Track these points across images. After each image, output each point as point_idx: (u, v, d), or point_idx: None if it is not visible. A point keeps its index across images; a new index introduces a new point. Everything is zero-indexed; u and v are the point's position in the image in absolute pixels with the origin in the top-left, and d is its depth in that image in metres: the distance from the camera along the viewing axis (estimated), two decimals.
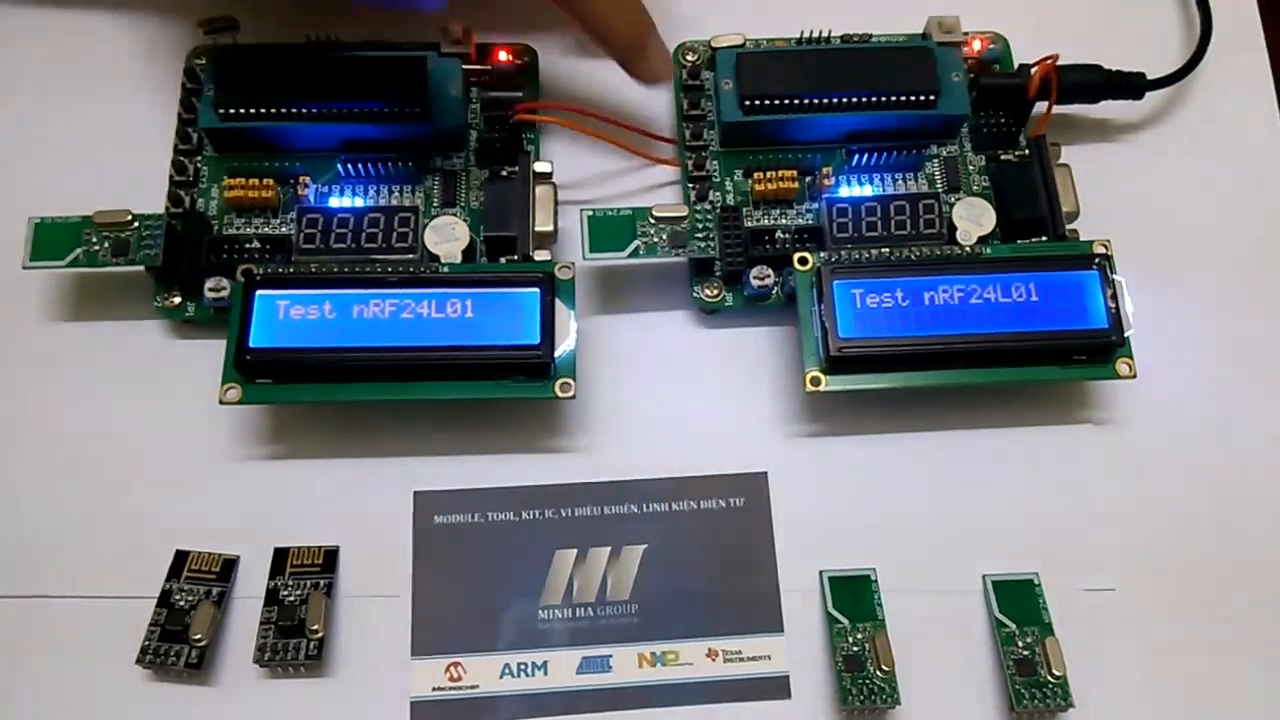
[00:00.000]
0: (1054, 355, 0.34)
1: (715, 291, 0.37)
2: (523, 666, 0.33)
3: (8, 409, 0.36)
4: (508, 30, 0.40)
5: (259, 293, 0.33)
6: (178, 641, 0.33)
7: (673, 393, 0.37)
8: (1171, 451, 0.36)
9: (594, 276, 0.38)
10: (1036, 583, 0.34)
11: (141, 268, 0.35)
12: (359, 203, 0.36)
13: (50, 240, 0.35)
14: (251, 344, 0.33)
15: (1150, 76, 0.40)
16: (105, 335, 0.37)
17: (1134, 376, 0.34)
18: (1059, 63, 0.38)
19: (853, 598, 0.34)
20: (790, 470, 0.36)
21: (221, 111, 0.36)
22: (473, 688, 0.33)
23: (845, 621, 0.33)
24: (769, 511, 0.35)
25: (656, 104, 0.40)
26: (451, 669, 0.33)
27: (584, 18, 0.36)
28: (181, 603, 0.33)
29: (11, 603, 0.34)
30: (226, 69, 0.36)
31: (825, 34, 0.39)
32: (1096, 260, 0.35)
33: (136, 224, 0.35)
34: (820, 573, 0.34)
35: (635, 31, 0.36)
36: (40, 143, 0.39)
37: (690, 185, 0.38)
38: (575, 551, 0.35)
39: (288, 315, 0.33)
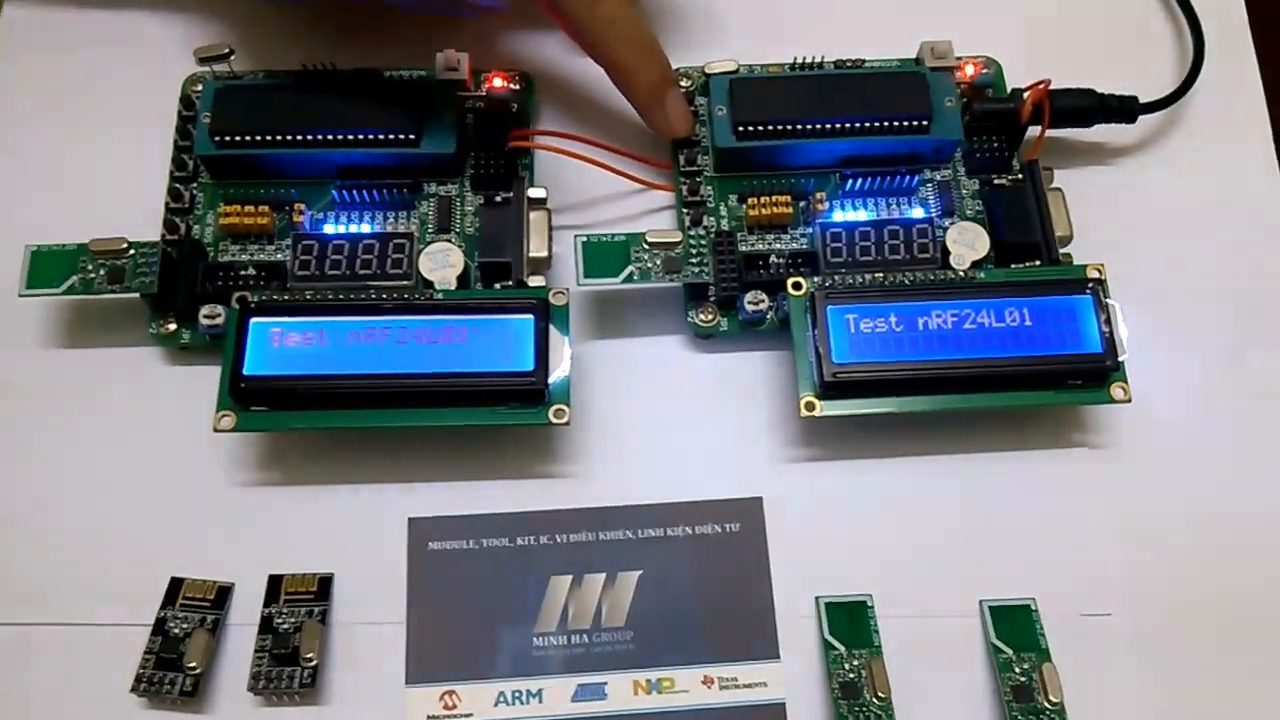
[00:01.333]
0: (1049, 380, 0.34)
1: (710, 316, 0.37)
2: (517, 694, 0.33)
3: (2, 436, 0.36)
4: (504, 56, 0.40)
5: (253, 320, 0.33)
6: (172, 669, 0.33)
7: (668, 418, 0.37)
8: (1168, 475, 0.36)
9: (588, 302, 0.38)
10: (1034, 608, 0.34)
11: (137, 295, 0.35)
12: (354, 229, 0.37)
13: (46, 268, 0.35)
14: (246, 371, 0.33)
15: (1143, 100, 0.40)
16: (100, 362, 0.37)
17: (1129, 400, 0.34)
18: (1052, 87, 0.38)
19: (849, 624, 0.34)
20: (785, 495, 0.35)
21: (218, 139, 0.36)
22: (467, 716, 0.33)
23: (842, 648, 0.33)
24: (764, 537, 0.35)
25: (647, 130, 0.40)
26: (446, 697, 0.33)
27: (609, 64, 0.36)
28: (176, 630, 0.33)
29: (6, 630, 0.34)
30: (223, 96, 0.36)
31: (818, 60, 0.39)
32: (1090, 284, 0.35)
33: (132, 251, 0.35)
34: (816, 598, 0.34)
35: (658, 84, 0.37)
36: (36, 171, 0.39)
37: (685, 210, 0.38)
38: (570, 578, 0.34)
39: (282, 342, 0.33)
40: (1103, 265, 0.35)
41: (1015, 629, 0.34)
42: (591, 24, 0.35)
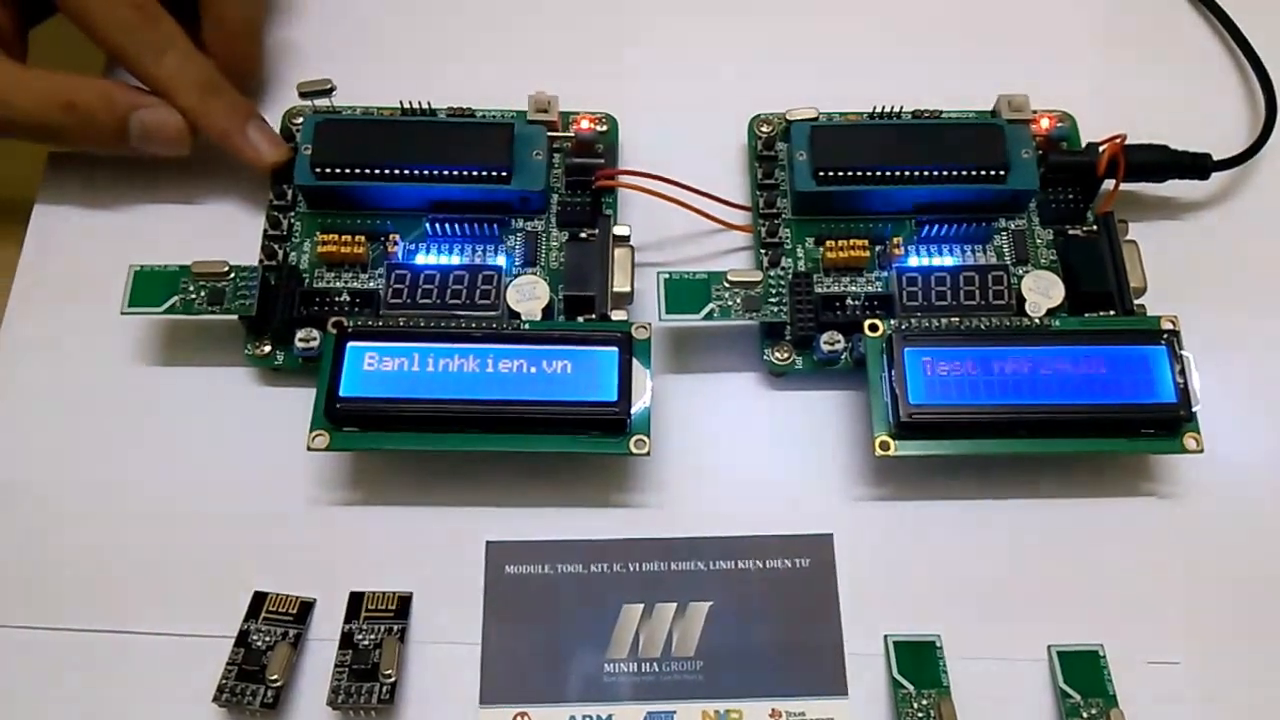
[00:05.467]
0: (1122, 428, 0.35)
1: (785, 355, 0.37)
2: (588, 719, 0.34)
3: (100, 449, 0.37)
4: (591, 99, 0.41)
5: (350, 344, 0.34)
6: (254, 681, 0.33)
7: (741, 453, 0.37)
8: (1238, 526, 0.36)
9: (666, 337, 0.39)
10: (1101, 654, 0.34)
11: (234, 316, 0.37)
12: (445, 260, 0.38)
13: (148, 287, 0.37)
14: (342, 393, 0.34)
15: (1216, 158, 0.40)
16: (195, 381, 0.38)
17: (1201, 451, 0.35)
18: (1126, 142, 0.39)
19: (917, 663, 0.34)
20: (855, 533, 0.36)
21: (317, 170, 0.38)
22: None
23: (910, 687, 0.34)
24: (834, 573, 0.36)
25: (731, 173, 0.41)
26: (519, 718, 0.34)
27: (183, 112, 0.38)
28: (259, 643, 0.34)
29: (94, 637, 0.35)
30: (323, 130, 0.38)
31: (897, 110, 0.40)
32: (1165, 335, 0.35)
33: (232, 274, 0.37)
34: (885, 637, 0.34)
35: (230, 119, 0.38)
36: (139, 193, 0.41)
37: (763, 251, 0.39)
38: (642, 606, 0.35)
39: (377, 367, 0.34)
40: (1176, 317, 0.36)
41: (1083, 675, 0.34)
42: (158, 79, 0.38)
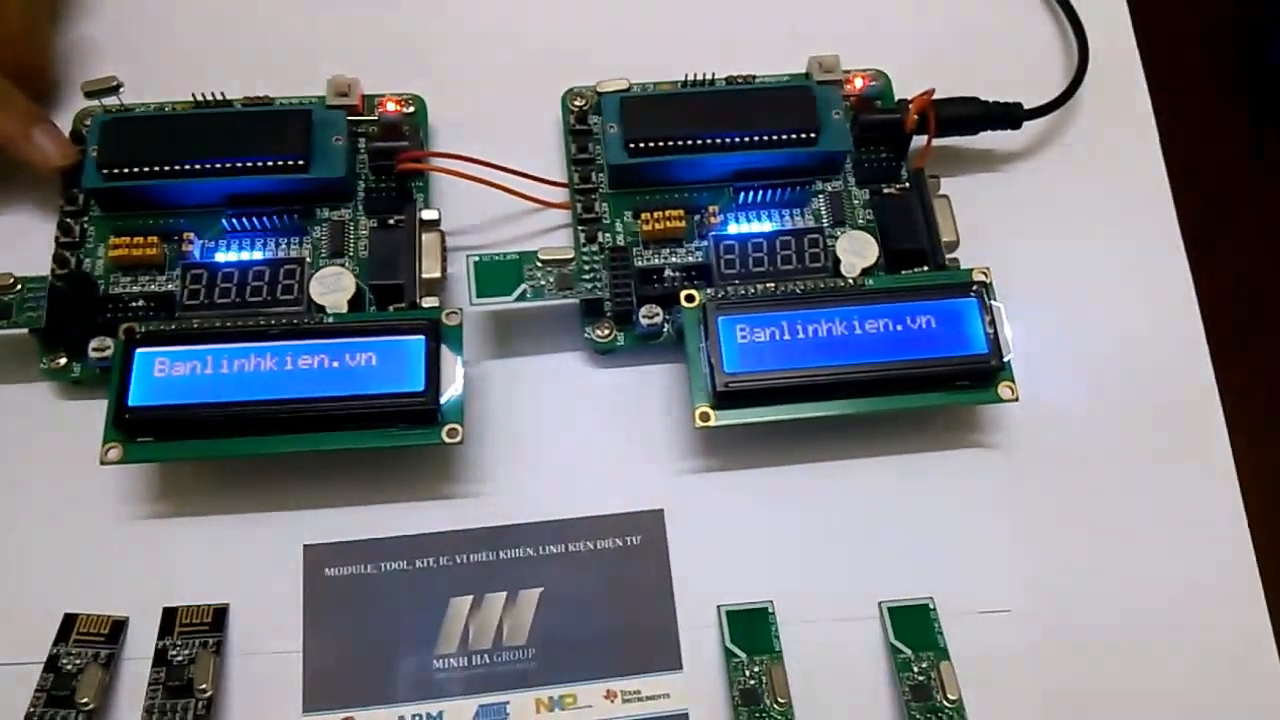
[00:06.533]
0: (937, 381, 0.35)
1: (607, 332, 0.37)
2: (417, 718, 0.33)
3: None
4: (397, 80, 0.40)
5: (138, 351, 0.33)
6: (65, 707, 0.32)
7: (567, 434, 0.37)
8: (1059, 470, 0.37)
9: (488, 321, 0.38)
10: (931, 607, 0.34)
11: (24, 330, 0.35)
12: (245, 256, 0.36)
13: None
14: (130, 403, 0.32)
15: (1029, 106, 0.40)
16: None
17: (1016, 399, 0.35)
18: (937, 96, 0.39)
19: (750, 631, 0.34)
20: (686, 506, 0.36)
21: (105, 172, 0.36)
22: None
23: (742, 655, 0.33)
24: (665, 548, 0.35)
25: (549, 149, 0.40)
26: None
27: None
28: (69, 666, 0.33)
29: None
30: (109, 129, 0.36)
31: (709, 77, 0.39)
32: (975, 287, 0.35)
33: (19, 286, 0.35)
34: (718, 607, 0.34)
35: (16, 124, 0.37)
36: None
37: (580, 228, 0.38)
38: (471, 598, 0.34)
39: (168, 372, 0.33)
40: (988, 269, 0.36)
41: (914, 629, 0.34)
42: None
